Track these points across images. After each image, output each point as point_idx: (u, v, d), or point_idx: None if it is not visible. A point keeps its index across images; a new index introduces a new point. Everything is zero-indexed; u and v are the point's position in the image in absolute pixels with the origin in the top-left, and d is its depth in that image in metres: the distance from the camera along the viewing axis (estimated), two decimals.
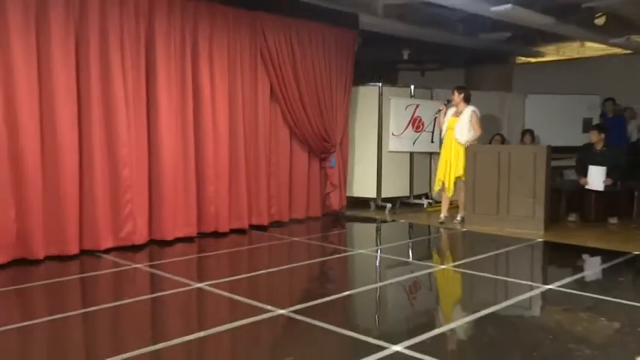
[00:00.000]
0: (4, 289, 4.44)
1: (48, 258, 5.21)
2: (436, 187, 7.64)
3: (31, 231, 5.09)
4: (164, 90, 5.97)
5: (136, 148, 5.80)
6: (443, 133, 7.51)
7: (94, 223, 5.50)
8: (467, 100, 7.31)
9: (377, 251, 6.09)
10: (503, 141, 9.03)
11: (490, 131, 8.78)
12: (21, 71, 4.99)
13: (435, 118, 8.01)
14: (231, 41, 6.61)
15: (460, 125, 7.20)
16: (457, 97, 7.30)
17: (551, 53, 11.05)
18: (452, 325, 3.51)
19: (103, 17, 5.48)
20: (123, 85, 5.63)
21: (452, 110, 7.43)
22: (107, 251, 5.55)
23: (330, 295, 4.26)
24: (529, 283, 4.67)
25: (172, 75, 6.06)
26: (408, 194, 8.90)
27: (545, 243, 6.27)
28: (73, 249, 5.35)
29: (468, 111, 7.23)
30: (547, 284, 4.53)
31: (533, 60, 11.43)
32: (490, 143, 8.62)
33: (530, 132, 9.14)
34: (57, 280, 4.70)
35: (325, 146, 7.75)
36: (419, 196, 8.99)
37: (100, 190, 5.52)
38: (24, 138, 5.03)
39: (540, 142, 9.10)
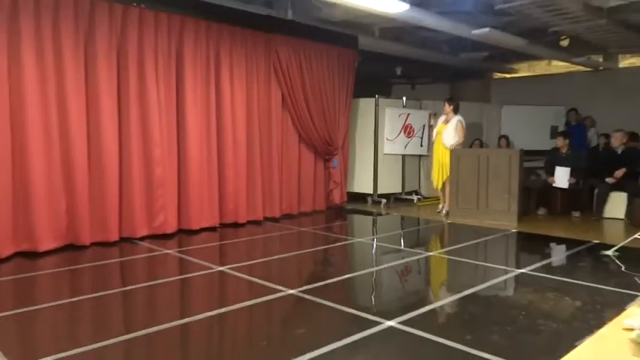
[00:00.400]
0: (58, 269, 4.50)
1: (93, 244, 5.25)
2: (439, 186, 7.66)
3: (79, 221, 5.14)
4: (191, 99, 6.00)
5: (167, 150, 5.83)
6: (433, 137, 7.52)
7: (132, 215, 5.53)
8: (455, 111, 7.42)
9: (373, 240, 6.10)
10: (481, 145, 9.05)
11: (472, 136, 8.83)
12: (71, 82, 5.04)
13: (431, 126, 8.22)
14: (249, 58, 6.63)
15: (447, 132, 7.32)
16: (447, 107, 7.43)
17: (523, 70, 11.08)
18: (438, 304, 3.55)
19: (140, 35, 5.51)
20: (156, 94, 5.66)
21: (442, 118, 7.58)
22: (142, 239, 5.58)
23: (333, 278, 4.28)
24: (504, 267, 4.69)
25: (198, 86, 6.08)
26: (400, 191, 8.91)
27: (519, 233, 6.28)
28: (114, 236, 5.38)
29: (455, 120, 7.33)
30: (520, 269, 4.55)
31: (508, 75, 11.43)
32: (471, 147, 8.62)
33: (506, 137, 9.18)
34: (101, 262, 4.73)
35: (329, 149, 7.76)
36: (409, 193, 9.00)
37: (136, 186, 5.55)
38: (73, 141, 5.07)
39: (514, 146, 9.11)
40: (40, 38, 4.82)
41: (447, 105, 7.43)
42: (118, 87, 5.41)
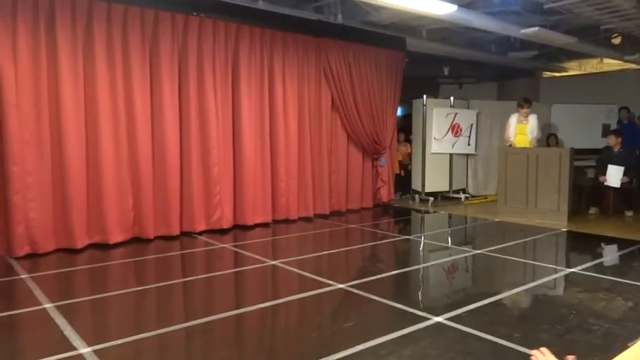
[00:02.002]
0: (126, 260, 4.71)
1: (157, 237, 5.46)
2: None
3: (144, 216, 5.36)
4: (246, 102, 6.12)
5: (224, 150, 5.97)
6: (512, 137, 7.22)
7: (191, 211, 5.71)
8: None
9: (421, 237, 6.02)
10: (557, 141, 8.70)
11: None
12: (138, 90, 5.27)
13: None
14: (300, 61, 6.70)
15: (530, 129, 7.07)
16: (527, 109, 7.15)
17: (573, 68, 10.57)
18: (486, 301, 3.43)
19: (199, 43, 5.68)
20: (214, 98, 5.81)
21: (514, 119, 7.24)
22: (201, 233, 5.74)
23: (381, 273, 4.26)
24: (554, 266, 4.52)
25: (252, 90, 6.19)
26: (447, 189, 8.74)
27: (569, 232, 6.02)
28: (175, 231, 5.57)
29: (534, 117, 7.12)
30: (570, 268, 4.37)
31: (557, 74, 10.95)
32: (548, 144, 8.31)
33: (555, 136, 8.83)
34: (164, 255, 4.92)
35: (377, 148, 7.72)
36: (457, 191, 8.81)
37: (195, 184, 5.72)
38: (140, 144, 5.31)
39: (564, 145, 8.73)
40: (111, 48, 5.07)
41: (525, 106, 7.13)
42: (180, 92, 5.60)
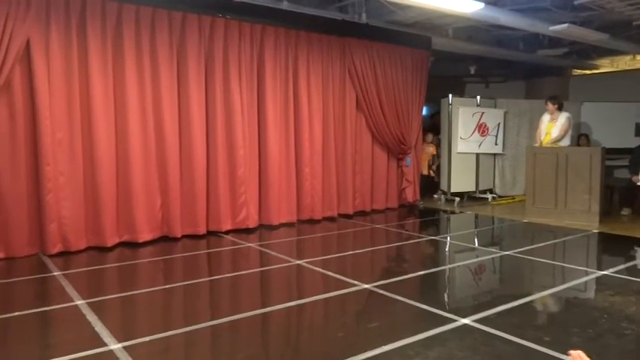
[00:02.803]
0: (154, 259, 4.80)
1: (184, 236, 5.54)
2: None
3: (172, 216, 5.45)
4: (271, 102, 6.15)
5: (249, 151, 6.02)
6: (542, 137, 7.03)
7: (217, 210, 5.77)
8: (560, 108, 6.95)
9: (446, 238, 5.94)
10: (588, 141, 8.49)
11: None
12: (165, 91, 5.36)
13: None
14: (325, 61, 6.70)
15: (555, 130, 6.86)
16: (551, 106, 6.93)
17: (605, 65, 10.29)
18: (514, 303, 3.37)
19: (225, 44, 5.74)
20: (239, 99, 5.86)
21: (546, 117, 7.05)
22: (227, 232, 5.80)
23: (406, 274, 4.23)
24: (584, 268, 4.40)
25: (277, 90, 6.23)
26: (474, 189, 8.62)
27: (600, 234, 5.87)
28: (202, 230, 5.65)
29: (564, 117, 6.89)
30: (601, 270, 4.26)
31: (588, 72, 10.67)
32: (578, 143, 8.11)
33: (586, 135, 8.62)
34: (191, 253, 4.99)
35: (402, 148, 7.66)
36: (484, 191, 8.68)
37: (221, 184, 5.78)
38: (167, 145, 5.40)
39: (595, 144, 8.51)
40: (140, 50, 5.17)
41: (550, 104, 6.93)
42: (206, 93, 5.67)
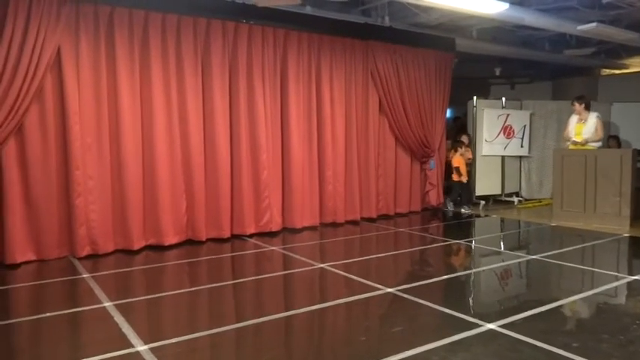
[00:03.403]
0: (180, 261, 4.87)
1: (208, 240, 5.61)
2: None
3: (197, 219, 5.53)
4: (294, 107, 6.19)
5: (273, 154, 6.06)
6: (572, 138, 6.89)
7: (241, 214, 5.82)
8: (588, 108, 6.81)
9: (471, 242, 5.87)
10: (619, 143, 8.30)
11: None
12: (191, 97, 5.45)
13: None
14: (347, 65, 6.71)
15: (586, 130, 6.72)
16: (578, 106, 6.80)
17: (635, 65, 10.01)
18: (542, 309, 3.30)
19: (249, 50, 5.81)
20: (263, 103, 5.91)
21: (574, 118, 6.91)
22: (251, 236, 5.85)
23: (431, 278, 4.18)
24: (615, 273, 4.28)
25: (300, 95, 6.26)
26: (499, 192, 8.50)
27: (631, 238, 5.70)
28: (226, 233, 5.70)
29: (593, 117, 6.75)
30: (633, 275, 4.14)
31: (617, 71, 10.41)
32: (609, 145, 7.93)
33: (616, 137, 8.41)
34: (215, 256, 5.05)
35: (425, 151, 7.60)
36: (510, 195, 8.54)
37: (245, 187, 5.83)
38: (192, 149, 5.48)
39: (627, 145, 8.29)
40: (166, 57, 5.27)
41: (577, 104, 6.80)
42: (230, 98, 5.74)
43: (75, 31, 4.76)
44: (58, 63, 4.71)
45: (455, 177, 7.94)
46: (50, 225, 4.76)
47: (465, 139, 8.16)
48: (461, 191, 7.96)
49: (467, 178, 7.98)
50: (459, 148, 7.94)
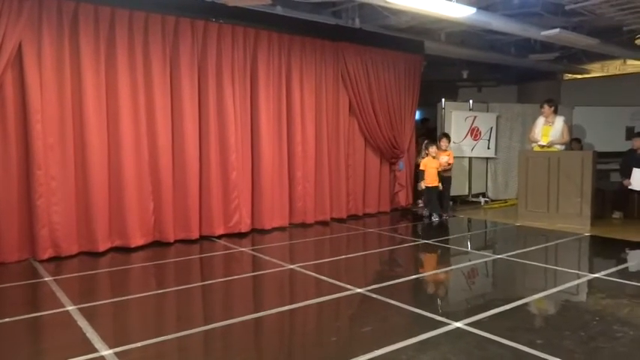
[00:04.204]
0: (146, 264, 4.78)
1: (176, 241, 5.53)
2: None
3: (164, 220, 5.43)
4: (264, 107, 6.16)
5: (242, 155, 6.02)
6: (538, 139, 7.02)
7: (210, 215, 5.76)
8: (556, 111, 7.03)
9: (439, 242, 5.96)
10: (580, 145, 8.53)
11: None
12: (158, 96, 5.36)
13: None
14: (318, 66, 6.72)
15: (553, 133, 6.90)
16: (548, 109, 6.98)
17: (596, 70, 10.40)
18: (507, 307, 3.39)
19: (219, 49, 5.75)
20: (232, 103, 5.86)
21: (541, 120, 7.08)
22: (220, 237, 5.79)
23: (399, 278, 4.23)
24: (576, 271, 4.42)
25: (270, 95, 6.23)
26: (467, 193, 8.66)
27: (592, 237, 5.91)
28: (195, 234, 5.63)
29: (560, 120, 6.95)
30: (593, 273, 4.29)
31: (579, 76, 10.78)
32: (571, 148, 8.16)
33: (578, 140, 8.70)
34: (183, 258, 4.97)
35: (395, 152, 7.68)
36: (476, 195, 8.72)
37: (214, 188, 5.77)
38: (160, 149, 5.39)
39: (587, 148, 8.59)
40: (133, 55, 5.16)
41: (547, 107, 6.97)
42: (199, 98, 5.67)
43: (37, 26, 4.61)
44: (19, 59, 4.54)
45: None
46: (10, 227, 4.58)
47: (443, 142, 7.63)
48: (428, 196, 7.34)
49: (434, 184, 7.20)
50: (425, 152, 7.41)
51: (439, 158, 7.31)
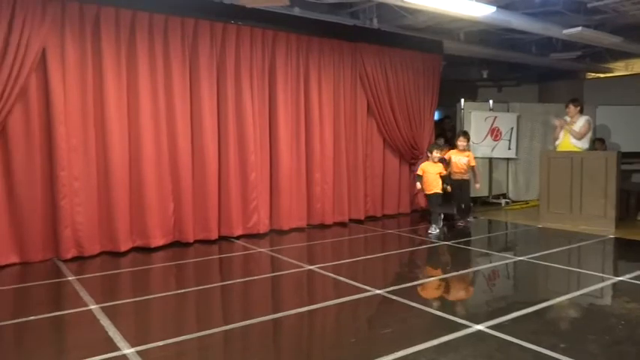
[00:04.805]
0: (166, 264, 4.83)
1: (196, 241, 5.58)
2: None
3: (184, 221, 5.49)
4: (282, 108, 6.18)
5: (261, 156, 6.05)
6: (558, 141, 6.94)
7: (229, 215, 5.79)
8: (581, 111, 6.89)
9: (460, 243, 5.89)
10: (604, 145, 8.34)
11: None
12: (178, 98, 5.41)
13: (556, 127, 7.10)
14: (336, 67, 6.71)
15: (575, 126, 6.78)
16: (573, 109, 6.86)
17: (619, 69, 10.16)
18: (529, 310, 3.33)
19: (237, 50, 5.78)
20: (251, 104, 5.89)
21: (565, 119, 6.96)
22: (238, 237, 5.82)
23: (419, 279, 4.20)
24: (601, 274, 4.34)
25: (288, 96, 6.25)
26: (487, 194, 8.56)
27: (617, 239, 5.79)
28: (214, 235, 5.68)
29: (583, 120, 6.80)
30: (618, 276, 4.19)
31: (602, 75, 10.56)
32: (594, 147, 8.02)
33: (601, 140, 8.50)
34: (203, 258, 5.01)
35: (414, 153, 7.63)
36: (497, 196, 8.61)
37: (233, 189, 5.80)
38: (180, 150, 5.44)
39: (611, 148, 8.40)
40: (153, 57, 5.23)
41: (572, 106, 6.85)
42: (218, 99, 5.71)
43: (60, 30, 4.70)
44: (43, 63, 4.64)
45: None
46: (35, 227, 4.68)
47: (462, 142, 6.91)
48: (429, 204, 6.60)
49: (434, 191, 6.34)
50: (429, 154, 6.54)
51: (457, 160, 6.74)
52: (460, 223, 6.80)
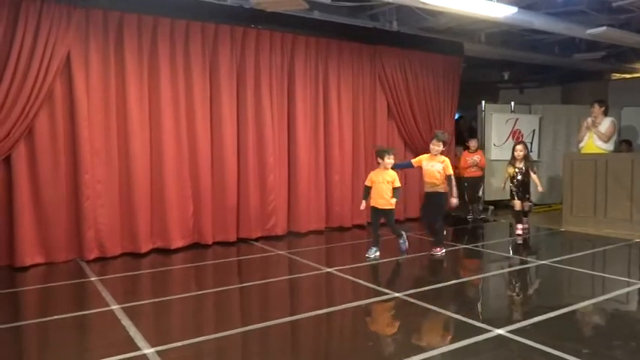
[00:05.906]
0: (186, 265, 4.88)
1: (215, 243, 5.63)
2: None
3: (203, 223, 5.55)
4: (301, 110, 6.20)
5: (279, 158, 6.07)
6: (582, 143, 6.88)
7: (248, 218, 5.83)
8: (606, 112, 6.80)
9: (481, 247, 5.82)
10: (630, 146, 8.21)
11: None
12: (198, 102, 5.48)
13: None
14: (355, 69, 6.71)
15: (598, 134, 6.70)
16: (598, 109, 6.78)
17: None
18: (551, 314, 3.26)
19: (257, 54, 5.83)
20: (270, 107, 5.93)
21: (589, 120, 6.87)
22: (257, 239, 5.86)
23: (438, 283, 4.15)
24: (626, 279, 4.23)
25: (307, 98, 6.27)
26: (509, 198, 8.42)
27: None
28: (233, 237, 5.72)
29: (608, 121, 6.72)
30: None
31: (628, 76, 10.32)
32: (620, 150, 7.86)
33: (627, 142, 8.32)
34: (222, 260, 5.06)
35: None
36: None
37: (252, 191, 5.84)
38: (200, 154, 5.52)
39: (638, 150, 8.21)
40: (174, 62, 5.32)
41: (597, 107, 6.77)
42: (237, 103, 5.76)
43: (85, 36, 4.81)
44: (67, 68, 4.75)
45: None
46: (59, 228, 4.79)
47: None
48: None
49: (383, 206, 5.11)
50: (379, 160, 5.17)
51: (429, 167, 5.26)
52: (433, 252, 5.17)
